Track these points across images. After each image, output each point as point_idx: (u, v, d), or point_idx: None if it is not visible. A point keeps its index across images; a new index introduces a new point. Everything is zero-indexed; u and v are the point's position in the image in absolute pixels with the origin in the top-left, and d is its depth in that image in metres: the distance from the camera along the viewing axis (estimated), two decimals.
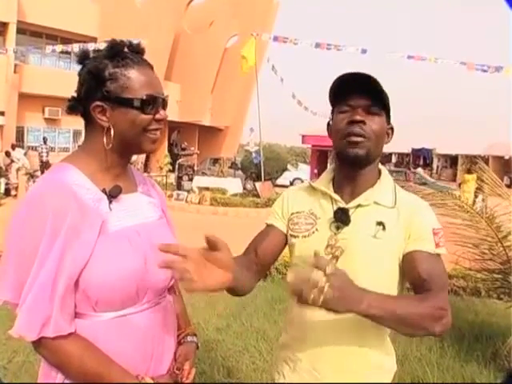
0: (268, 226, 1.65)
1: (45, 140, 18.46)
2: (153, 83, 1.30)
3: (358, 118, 1.42)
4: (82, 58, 1.30)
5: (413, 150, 35.79)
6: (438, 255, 1.43)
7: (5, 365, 3.51)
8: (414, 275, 1.40)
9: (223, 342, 4.11)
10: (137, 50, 1.33)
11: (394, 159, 38.92)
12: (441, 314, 1.26)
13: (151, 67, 1.33)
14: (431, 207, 1.53)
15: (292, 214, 1.59)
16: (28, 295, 1.13)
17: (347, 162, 1.48)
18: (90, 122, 1.31)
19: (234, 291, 1.37)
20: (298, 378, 1.54)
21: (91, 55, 1.31)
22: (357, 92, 1.42)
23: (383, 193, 1.50)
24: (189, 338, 1.51)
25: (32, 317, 1.13)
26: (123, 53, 1.29)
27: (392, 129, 1.53)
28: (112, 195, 1.28)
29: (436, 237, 1.43)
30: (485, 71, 13.13)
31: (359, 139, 1.42)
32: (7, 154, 15.94)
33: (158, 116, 1.30)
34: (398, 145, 32.00)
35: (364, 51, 15.01)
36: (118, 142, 1.28)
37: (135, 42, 1.35)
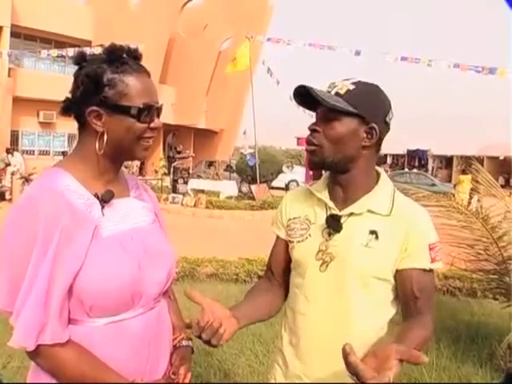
0: (276, 237, 1.68)
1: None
2: (149, 91, 1.30)
3: (311, 127, 1.46)
4: (79, 59, 1.29)
5: (408, 151, 35.94)
6: (432, 270, 1.44)
7: (0, 370, 3.48)
8: (407, 291, 1.42)
9: (219, 346, 4.09)
10: (135, 56, 1.32)
11: (389, 160, 39.04)
12: (431, 337, 1.42)
13: (148, 74, 1.33)
14: (426, 208, 1.53)
15: (289, 219, 1.60)
16: (23, 304, 1.12)
17: None
18: (83, 126, 1.30)
19: (260, 321, 1.54)
20: (288, 381, 1.55)
21: (88, 57, 1.30)
22: (310, 101, 1.43)
23: (379, 200, 1.46)
24: (184, 342, 1.50)
25: (29, 326, 1.12)
26: (122, 58, 1.28)
27: (374, 128, 1.42)
28: (104, 200, 1.28)
29: (432, 252, 1.42)
30: (478, 72, 13.14)
31: (310, 148, 1.46)
32: (8, 151, 15.90)
33: (152, 125, 1.31)
34: (393, 146, 32.12)
35: (358, 53, 15.02)
36: (111, 148, 1.28)
37: (133, 47, 1.34)
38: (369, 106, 1.41)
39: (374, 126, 1.42)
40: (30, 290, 1.12)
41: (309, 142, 1.46)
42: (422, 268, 1.41)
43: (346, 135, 1.41)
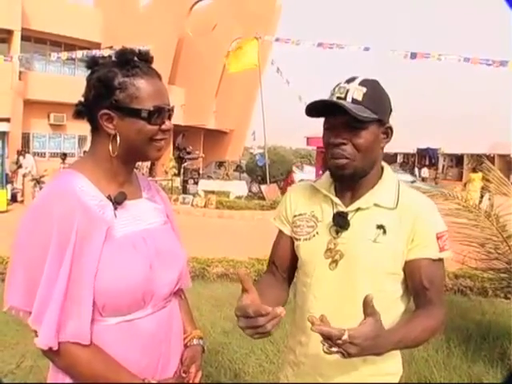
0: (279, 232, 1.67)
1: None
2: (160, 94, 1.31)
3: (338, 141, 1.41)
4: (91, 64, 1.32)
5: (418, 149, 35.73)
6: (441, 259, 1.43)
7: (13, 370, 3.52)
8: (416, 282, 1.42)
9: (229, 345, 4.11)
10: (145, 59, 1.34)
11: (399, 159, 38.87)
12: (440, 328, 1.38)
13: (159, 77, 1.35)
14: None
15: (295, 216, 1.59)
16: (45, 304, 1.14)
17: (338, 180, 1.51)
18: (96, 129, 1.32)
19: None
20: (300, 381, 1.55)
21: (100, 61, 1.32)
22: (331, 113, 1.40)
23: (384, 193, 1.47)
24: (195, 341, 1.51)
25: (53, 326, 1.14)
26: (133, 61, 1.30)
27: (390, 128, 1.46)
28: (117, 202, 1.30)
29: (440, 241, 1.41)
30: (489, 65, 12.97)
31: (341, 162, 1.41)
32: (20, 154, 16.11)
33: (164, 126, 1.32)
34: (403, 145, 31.95)
35: (367, 49, 14.96)
36: (124, 150, 1.29)
37: (144, 50, 1.36)
38: (383, 107, 1.43)
39: (390, 126, 1.44)
40: (51, 291, 1.14)
41: (339, 156, 1.41)
42: (430, 258, 1.40)
43: (373, 142, 1.41)
